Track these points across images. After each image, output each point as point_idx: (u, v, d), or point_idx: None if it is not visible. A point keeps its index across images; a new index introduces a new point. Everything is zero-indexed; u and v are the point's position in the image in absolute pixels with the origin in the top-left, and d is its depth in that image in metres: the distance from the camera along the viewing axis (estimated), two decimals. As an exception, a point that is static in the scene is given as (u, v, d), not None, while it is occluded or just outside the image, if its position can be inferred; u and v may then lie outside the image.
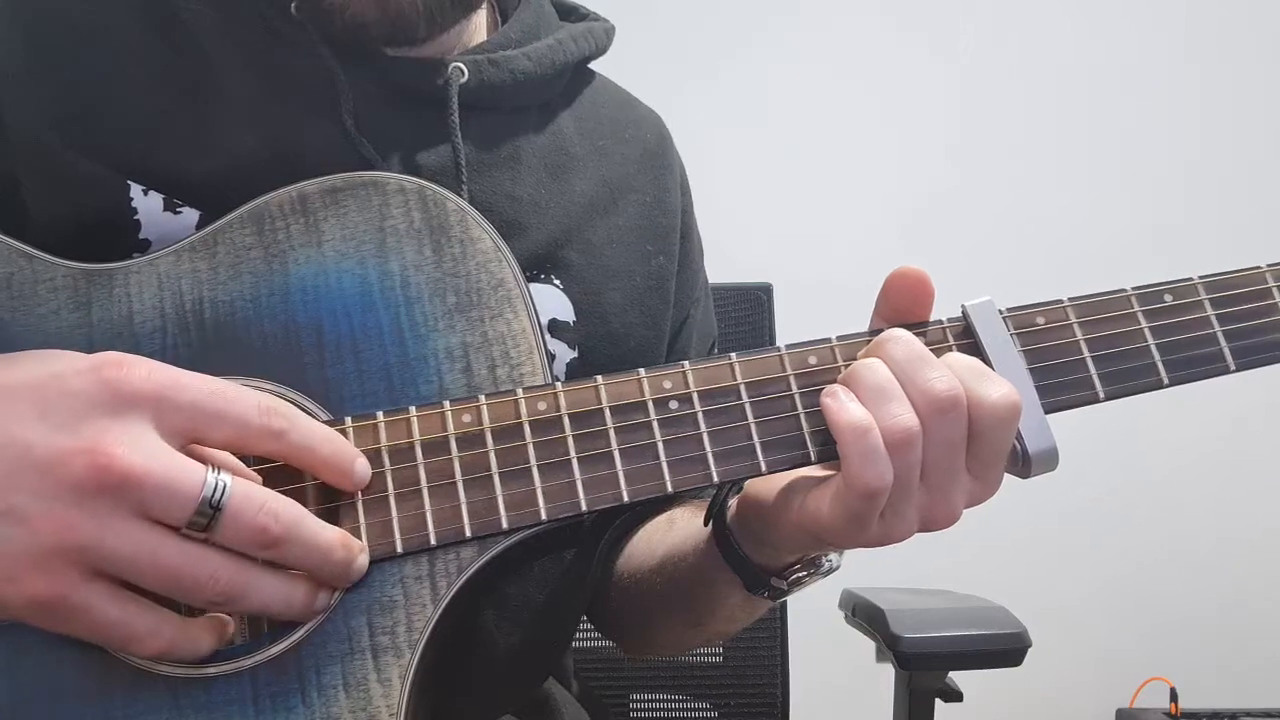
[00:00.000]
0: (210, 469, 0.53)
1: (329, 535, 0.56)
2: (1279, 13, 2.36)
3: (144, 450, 0.51)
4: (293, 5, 0.73)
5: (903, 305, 0.63)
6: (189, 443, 0.54)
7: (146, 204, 0.70)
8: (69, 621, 0.52)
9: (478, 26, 0.84)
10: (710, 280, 0.98)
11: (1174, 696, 2.14)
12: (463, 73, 0.77)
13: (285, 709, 0.56)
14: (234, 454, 0.58)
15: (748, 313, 1.30)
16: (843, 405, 0.59)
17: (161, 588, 0.53)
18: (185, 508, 0.52)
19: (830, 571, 0.70)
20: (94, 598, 0.52)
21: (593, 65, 0.90)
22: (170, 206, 0.70)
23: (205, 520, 0.52)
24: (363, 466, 0.59)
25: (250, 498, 0.53)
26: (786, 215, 2.32)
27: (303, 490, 0.59)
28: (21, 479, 0.50)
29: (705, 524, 0.73)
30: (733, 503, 0.70)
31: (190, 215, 0.70)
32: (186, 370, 0.55)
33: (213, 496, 0.52)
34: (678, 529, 0.81)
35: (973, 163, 2.34)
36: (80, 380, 0.52)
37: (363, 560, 0.58)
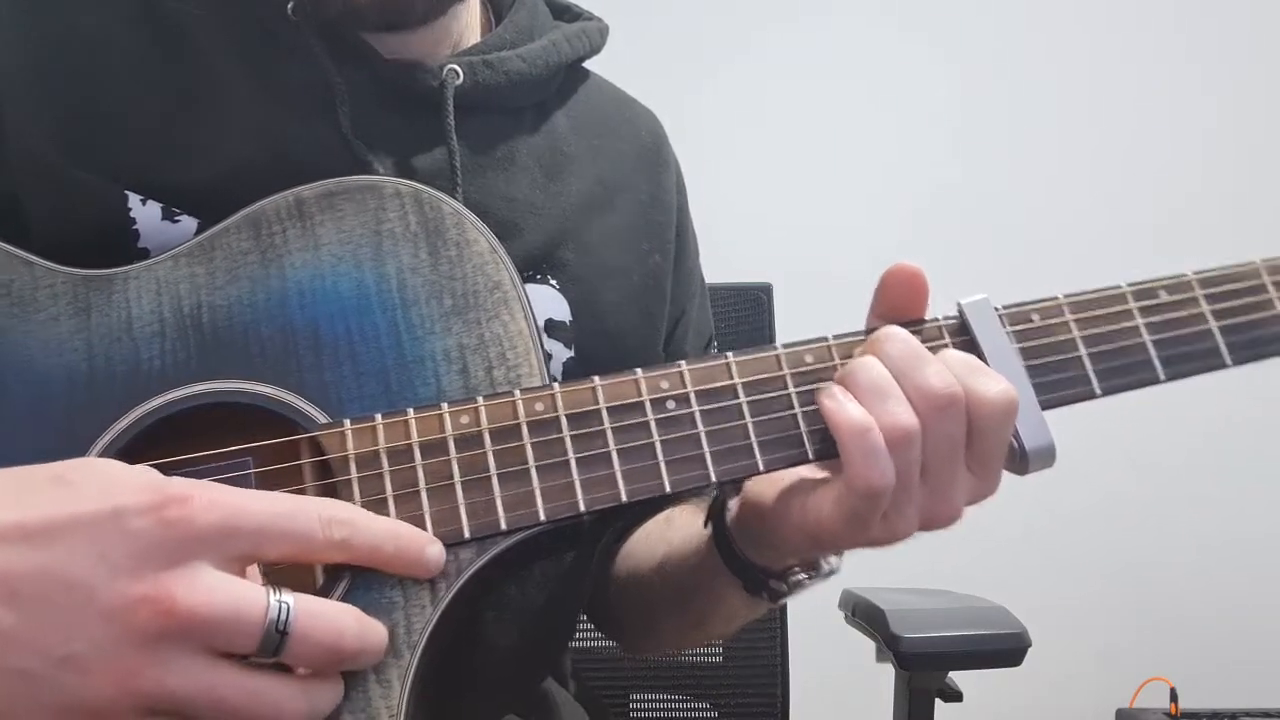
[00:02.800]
0: (270, 591, 0.51)
1: (383, 633, 0.56)
2: (1279, 12, 2.36)
3: (206, 587, 0.50)
4: (289, 7, 0.73)
5: (899, 302, 0.63)
6: (251, 564, 0.53)
7: (145, 213, 0.70)
8: None
9: (472, 27, 0.84)
10: (709, 280, 0.98)
11: (1174, 696, 2.14)
12: (458, 75, 0.77)
13: (285, 711, 0.56)
14: None
15: (747, 313, 1.30)
16: (841, 405, 0.59)
17: None
18: (251, 637, 0.50)
19: (830, 574, 0.70)
20: None
21: (589, 64, 0.91)
22: (168, 215, 0.70)
23: (274, 645, 0.51)
24: (435, 553, 0.57)
25: (315, 615, 0.52)
26: (785, 214, 2.32)
27: (302, 491, 0.60)
28: (83, 627, 0.48)
29: (705, 526, 0.73)
30: (733, 505, 0.70)
31: (188, 223, 0.70)
32: (247, 491, 0.54)
33: (278, 620, 0.51)
34: (677, 529, 0.81)
35: (970, 162, 2.34)
36: (142, 521, 0.50)
37: None
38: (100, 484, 0.51)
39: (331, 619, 0.53)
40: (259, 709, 0.51)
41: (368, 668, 0.56)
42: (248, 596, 0.51)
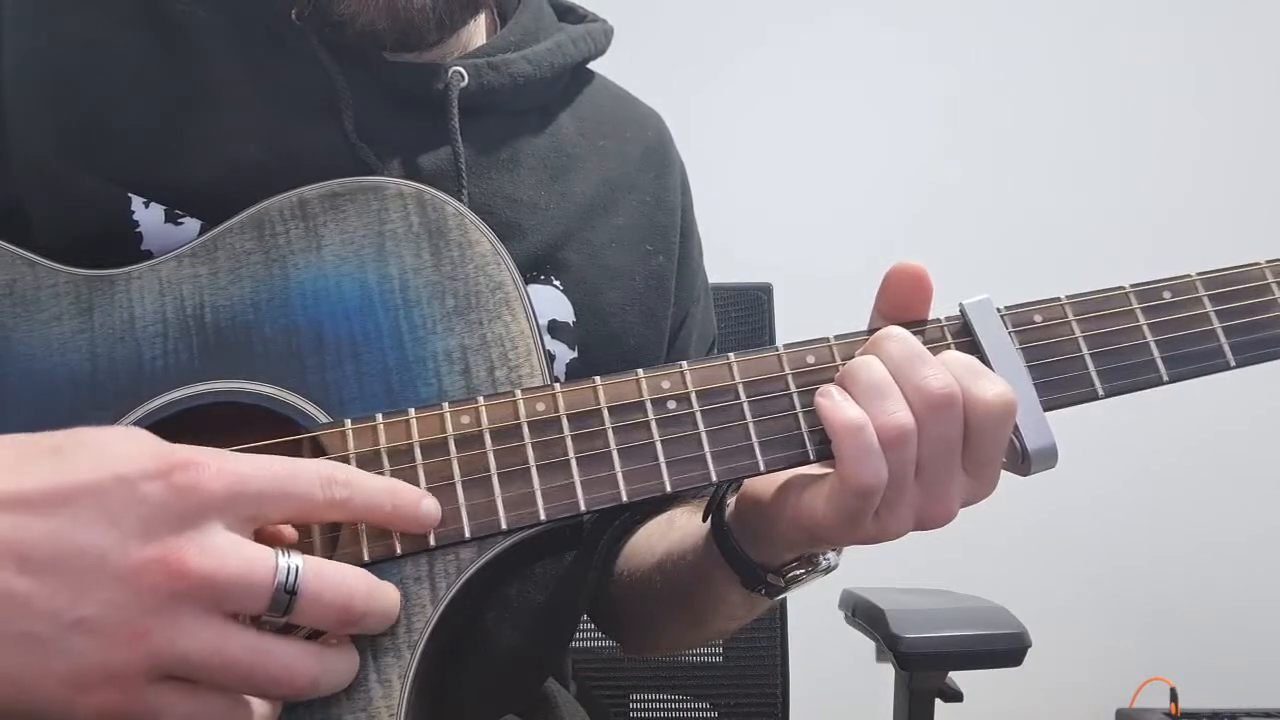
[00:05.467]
0: (280, 552, 0.52)
1: (395, 596, 0.56)
2: (1279, 12, 2.36)
3: (217, 549, 0.50)
4: (293, 12, 0.73)
5: (901, 301, 0.63)
6: (257, 527, 0.54)
7: (148, 216, 0.70)
8: None
9: (477, 29, 0.84)
10: (710, 280, 0.98)
11: (1174, 696, 2.14)
12: (463, 77, 0.77)
13: (285, 711, 0.56)
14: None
15: (748, 313, 1.30)
16: (837, 404, 0.59)
17: (235, 687, 0.52)
18: (261, 597, 0.51)
19: (829, 570, 0.70)
20: (162, 702, 0.50)
21: (592, 65, 0.91)
22: (171, 218, 0.70)
23: (283, 606, 0.51)
24: (429, 507, 0.58)
25: (324, 577, 0.52)
26: (785, 214, 2.32)
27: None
28: (93, 591, 0.48)
29: (704, 520, 0.73)
30: (731, 500, 0.70)
31: (191, 226, 0.70)
32: (248, 455, 0.54)
33: (286, 581, 0.51)
34: (677, 528, 0.81)
35: (970, 162, 2.34)
36: (150, 487, 0.50)
37: None
38: (102, 452, 0.51)
39: (341, 580, 0.53)
40: (269, 670, 0.51)
41: (381, 632, 0.56)
42: (257, 557, 0.51)
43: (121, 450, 0.51)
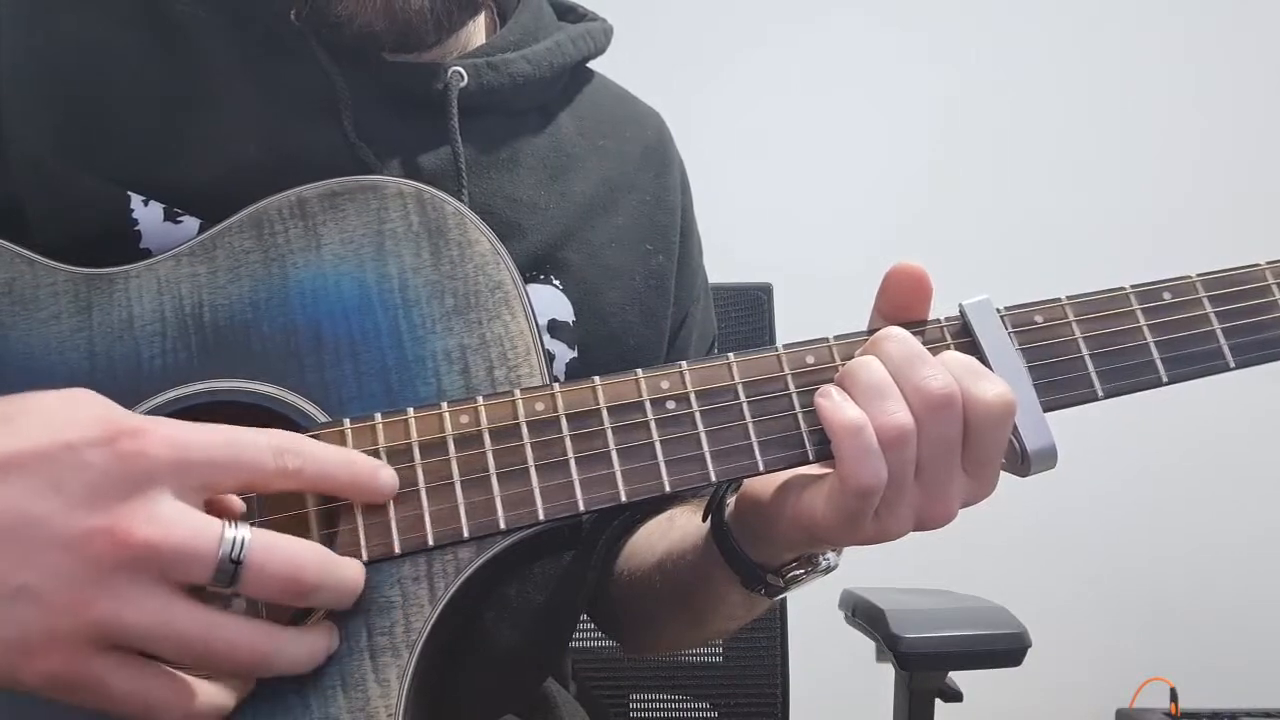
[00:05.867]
0: (227, 524, 0.51)
1: (352, 571, 0.56)
2: (1278, 12, 2.36)
3: (162, 517, 0.50)
4: (291, 12, 0.73)
5: (901, 301, 0.63)
6: (208, 497, 0.53)
7: (147, 214, 0.70)
8: (83, 696, 0.51)
9: (477, 29, 0.84)
10: (710, 280, 0.98)
11: (1174, 696, 2.14)
12: (462, 76, 0.77)
13: (283, 710, 0.56)
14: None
15: (748, 313, 1.30)
16: (836, 404, 0.59)
17: (181, 659, 0.52)
18: (206, 567, 0.50)
19: (828, 570, 0.70)
20: (108, 672, 0.50)
21: (592, 65, 0.90)
22: (170, 216, 0.70)
23: (228, 577, 0.51)
24: (387, 477, 0.58)
25: (272, 548, 0.52)
26: (785, 214, 2.32)
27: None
28: (37, 557, 0.48)
29: (704, 519, 0.73)
30: (731, 500, 0.70)
31: (190, 224, 0.70)
32: (197, 424, 0.54)
33: (232, 552, 0.51)
34: (678, 527, 0.81)
35: (970, 162, 2.34)
36: (95, 454, 0.50)
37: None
38: (49, 419, 0.51)
39: (290, 552, 0.53)
40: (213, 643, 0.51)
41: (344, 608, 0.56)
42: (203, 526, 0.51)
43: (69, 417, 0.51)
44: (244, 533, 0.52)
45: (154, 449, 0.51)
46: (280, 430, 0.57)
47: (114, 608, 0.49)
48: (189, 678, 0.53)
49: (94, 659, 0.50)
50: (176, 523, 0.50)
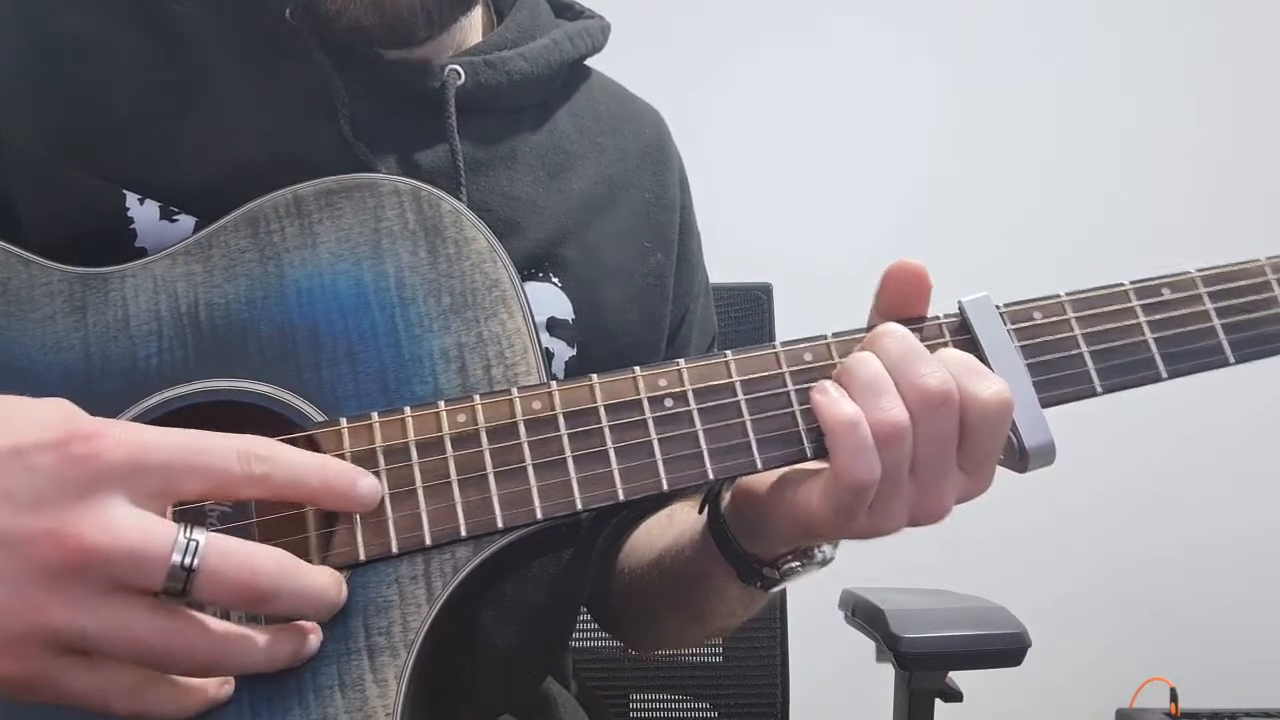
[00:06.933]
0: (182, 529, 0.50)
1: (321, 580, 0.54)
2: (1278, 11, 2.36)
3: (114, 524, 0.49)
4: (287, 10, 0.73)
5: (900, 299, 0.63)
6: (169, 503, 0.52)
7: (142, 212, 0.70)
8: (39, 695, 0.50)
9: (473, 26, 0.84)
10: (710, 279, 0.98)
11: (1174, 696, 2.14)
12: (459, 75, 0.77)
13: (281, 710, 0.56)
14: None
15: (747, 312, 1.30)
16: (832, 400, 0.59)
17: (140, 663, 0.51)
18: (156, 573, 0.49)
19: (824, 562, 0.70)
20: (63, 674, 0.50)
21: (591, 62, 0.90)
22: (166, 214, 0.70)
23: (180, 584, 0.50)
24: (367, 486, 0.57)
25: (227, 554, 0.51)
26: (785, 214, 2.32)
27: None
28: None
29: (700, 512, 0.73)
30: (727, 494, 0.70)
31: (186, 223, 0.70)
32: (159, 426, 0.53)
33: (184, 559, 0.49)
34: (676, 523, 0.81)
35: (969, 161, 2.34)
36: (45, 458, 0.49)
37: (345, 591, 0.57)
38: (6, 424, 0.50)
39: (245, 558, 0.51)
40: (172, 648, 0.51)
41: (316, 617, 0.55)
42: (155, 531, 0.50)
43: (24, 421, 0.50)
44: (199, 536, 0.50)
45: (108, 452, 0.50)
46: (252, 435, 0.55)
47: (68, 614, 0.48)
48: (147, 674, 0.52)
49: (50, 664, 0.49)
50: (127, 527, 0.49)
